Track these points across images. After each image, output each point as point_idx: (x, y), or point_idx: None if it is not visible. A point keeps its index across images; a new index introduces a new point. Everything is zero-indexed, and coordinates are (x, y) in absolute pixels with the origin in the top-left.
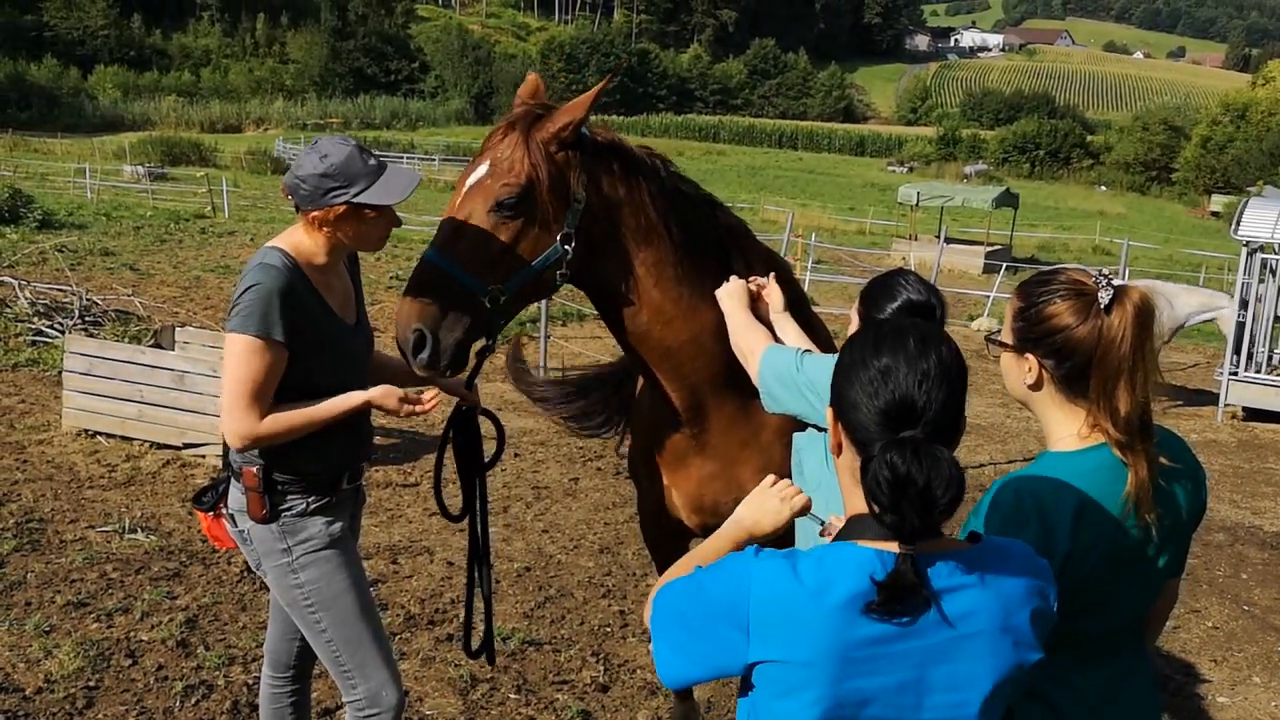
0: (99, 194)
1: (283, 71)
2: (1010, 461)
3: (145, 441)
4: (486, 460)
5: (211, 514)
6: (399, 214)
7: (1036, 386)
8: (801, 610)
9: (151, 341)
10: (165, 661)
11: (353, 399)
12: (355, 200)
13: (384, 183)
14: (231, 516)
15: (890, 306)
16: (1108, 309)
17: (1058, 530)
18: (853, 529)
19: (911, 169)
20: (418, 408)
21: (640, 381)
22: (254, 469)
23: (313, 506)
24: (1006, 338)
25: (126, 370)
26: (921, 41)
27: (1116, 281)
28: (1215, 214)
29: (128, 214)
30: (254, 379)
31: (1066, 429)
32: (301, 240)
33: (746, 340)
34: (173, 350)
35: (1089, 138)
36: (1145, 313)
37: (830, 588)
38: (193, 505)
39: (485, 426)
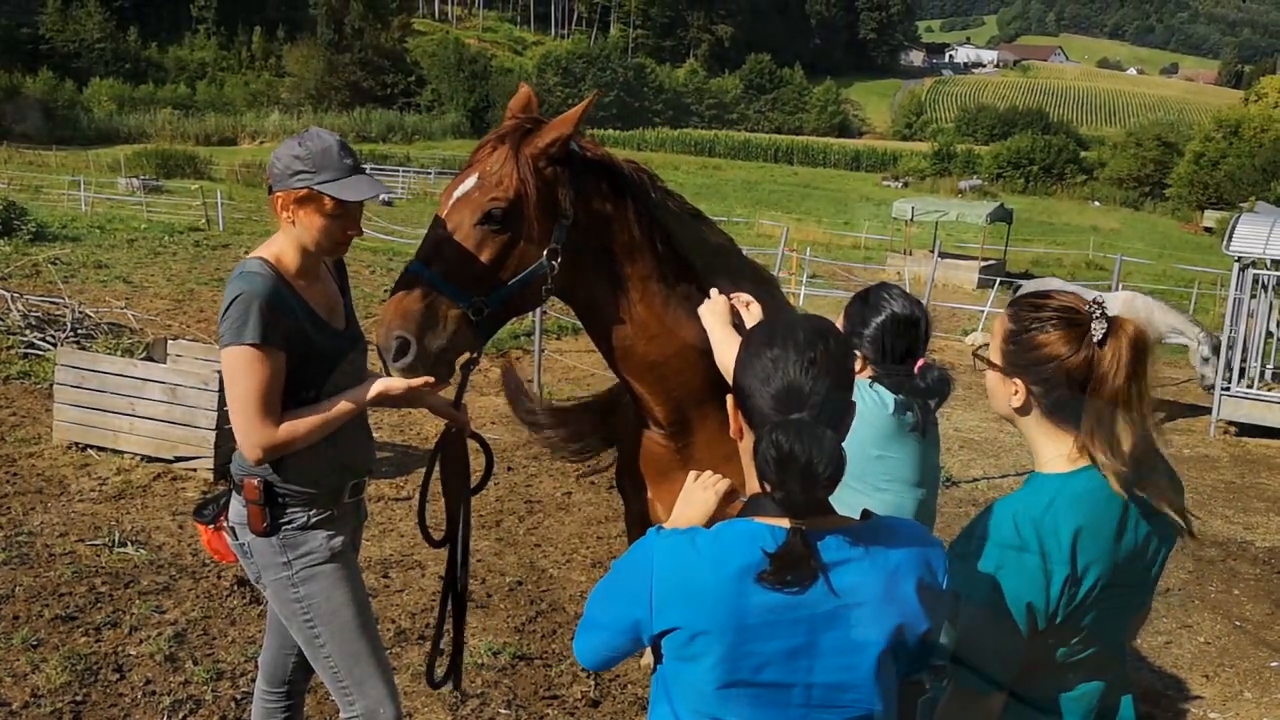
0: (93, 206)
1: (279, 85)
2: (1003, 476)
3: (136, 455)
4: (473, 486)
5: (212, 527)
6: (394, 227)
7: (1023, 410)
8: (699, 580)
9: (143, 354)
10: (153, 676)
11: (365, 392)
12: (315, 186)
13: (349, 182)
14: (232, 529)
15: (875, 320)
16: (1101, 342)
17: (1057, 554)
18: (751, 507)
19: (906, 184)
20: (424, 388)
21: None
22: (255, 481)
23: (314, 520)
24: (994, 357)
25: (118, 383)
26: (916, 57)
27: (1110, 311)
28: (1208, 229)
29: (122, 227)
30: (261, 388)
31: (1054, 450)
32: (282, 248)
33: (731, 356)
34: (164, 363)
35: (1083, 153)
36: (1141, 345)
37: (725, 559)
38: (193, 518)
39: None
